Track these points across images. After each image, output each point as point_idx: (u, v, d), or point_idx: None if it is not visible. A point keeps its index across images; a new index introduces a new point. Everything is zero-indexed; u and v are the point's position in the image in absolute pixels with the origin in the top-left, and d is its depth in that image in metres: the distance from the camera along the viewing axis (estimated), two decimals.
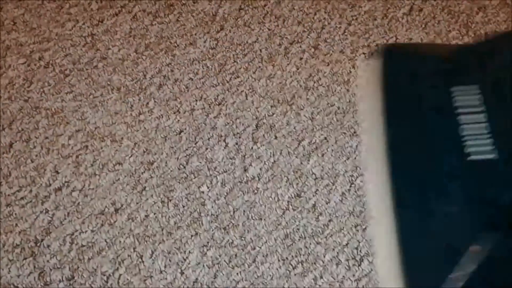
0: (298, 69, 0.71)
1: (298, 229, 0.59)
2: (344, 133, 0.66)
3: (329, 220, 0.60)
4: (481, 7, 0.77)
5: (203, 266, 0.56)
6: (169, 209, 0.60)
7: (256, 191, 0.61)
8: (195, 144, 0.65)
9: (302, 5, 0.77)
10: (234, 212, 0.60)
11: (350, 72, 0.71)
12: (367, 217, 0.59)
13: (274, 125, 0.67)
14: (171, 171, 0.63)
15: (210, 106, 0.68)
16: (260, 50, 0.73)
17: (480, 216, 0.41)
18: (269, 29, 0.75)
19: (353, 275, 0.56)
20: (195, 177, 0.62)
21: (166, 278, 0.56)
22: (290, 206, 0.60)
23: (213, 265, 0.57)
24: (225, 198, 0.61)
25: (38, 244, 0.58)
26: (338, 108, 0.68)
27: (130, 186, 0.62)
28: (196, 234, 0.58)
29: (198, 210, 0.60)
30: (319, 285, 0.56)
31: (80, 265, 0.56)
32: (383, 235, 0.42)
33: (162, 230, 0.59)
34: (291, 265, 0.57)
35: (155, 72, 0.71)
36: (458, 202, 0.41)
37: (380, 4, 0.77)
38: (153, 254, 0.57)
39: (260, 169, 0.63)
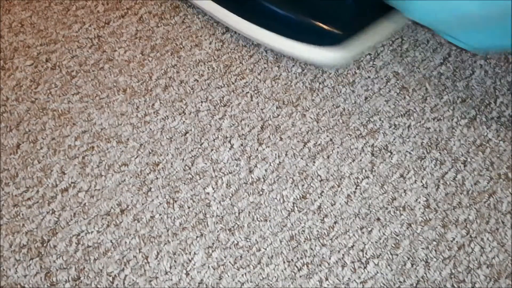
0: (303, 70, 0.71)
1: (304, 230, 0.59)
2: (350, 134, 0.66)
3: (335, 222, 0.59)
4: None
5: (208, 267, 0.57)
6: (174, 210, 0.60)
7: (261, 193, 0.61)
8: (201, 145, 0.65)
9: None
10: (239, 213, 0.60)
11: (355, 73, 0.71)
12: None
13: (280, 127, 0.67)
14: (176, 172, 0.63)
15: (215, 108, 0.68)
16: (266, 52, 0.73)
17: None
18: None
19: (359, 277, 0.56)
20: (200, 178, 0.63)
21: (171, 279, 0.56)
22: (296, 208, 0.60)
23: (218, 267, 0.57)
24: (230, 199, 0.61)
25: (44, 245, 0.58)
26: (344, 109, 0.68)
27: (135, 187, 0.62)
28: (201, 235, 0.59)
29: (203, 211, 0.60)
30: (325, 287, 0.56)
31: (86, 266, 0.57)
32: None
33: (168, 231, 0.59)
34: (297, 266, 0.57)
35: (160, 74, 0.71)
36: None
37: None
38: (158, 255, 0.57)
39: (266, 170, 0.63)
